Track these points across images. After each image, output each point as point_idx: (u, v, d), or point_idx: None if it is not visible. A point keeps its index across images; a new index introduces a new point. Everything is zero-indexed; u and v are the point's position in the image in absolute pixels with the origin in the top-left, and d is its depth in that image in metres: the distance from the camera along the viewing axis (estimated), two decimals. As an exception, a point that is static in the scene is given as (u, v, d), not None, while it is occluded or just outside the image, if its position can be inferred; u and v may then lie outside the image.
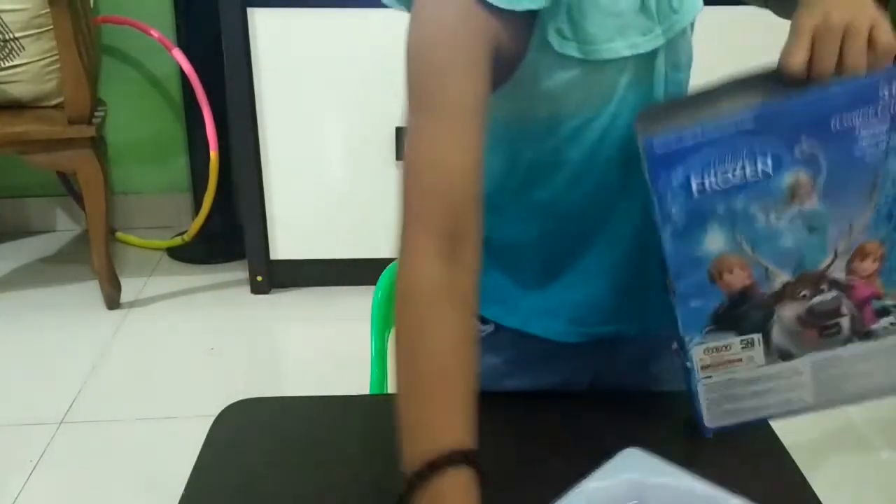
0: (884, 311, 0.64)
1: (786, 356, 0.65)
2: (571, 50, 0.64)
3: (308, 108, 2.02)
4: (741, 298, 0.63)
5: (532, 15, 0.62)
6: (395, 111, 2.01)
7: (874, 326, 0.64)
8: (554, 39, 0.63)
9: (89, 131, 1.94)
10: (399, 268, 0.60)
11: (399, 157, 2.10)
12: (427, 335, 0.58)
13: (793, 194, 0.59)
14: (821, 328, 0.64)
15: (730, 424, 0.69)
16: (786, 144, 0.57)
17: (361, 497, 0.67)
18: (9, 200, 2.55)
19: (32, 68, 2.04)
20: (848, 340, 0.65)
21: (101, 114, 2.07)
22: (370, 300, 1.01)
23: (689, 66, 0.75)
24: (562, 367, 0.82)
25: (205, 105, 2.17)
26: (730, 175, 0.58)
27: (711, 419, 0.69)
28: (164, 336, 2.01)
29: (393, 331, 0.61)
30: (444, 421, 0.56)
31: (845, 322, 0.64)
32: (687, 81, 0.75)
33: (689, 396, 0.69)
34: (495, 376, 0.82)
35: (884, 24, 0.57)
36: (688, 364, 0.66)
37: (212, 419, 0.76)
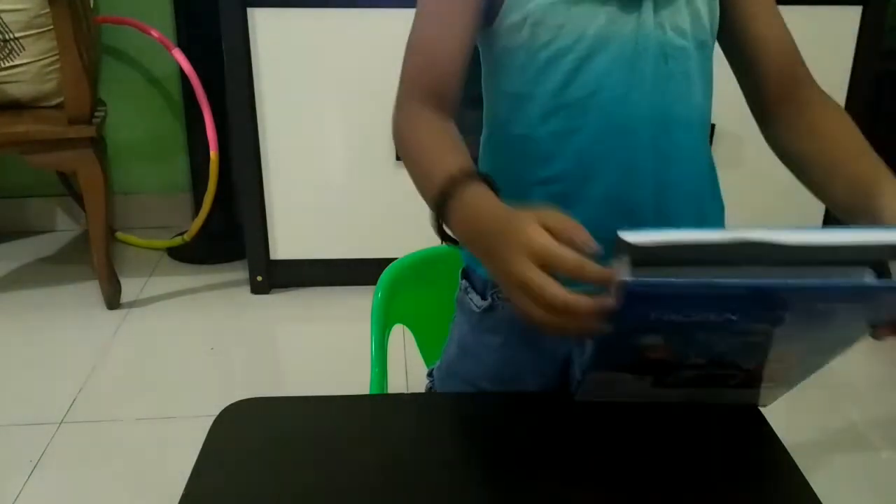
0: (771, 379, 0.68)
1: (670, 387, 0.69)
2: None
3: (308, 107, 2.02)
4: (652, 362, 0.63)
5: None
6: (395, 111, 1.94)
7: (758, 384, 0.69)
8: None
9: (89, 131, 1.94)
10: (395, 118, 0.77)
11: (399, 157, 2.10)
12: (422, 125, 0.74)
13: (744, 334, 0.58)
14: (710, 384, 0.68)
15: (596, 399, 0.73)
16: (764, 310, 0.55)
17: (361, 497, 0.67)
18: (9, 200, 2.55)
19: (32, 68, 2.04)
20: (730, 388, 0.69)
21: (101, 114, 2.07)
22: (370, 300, 1.01)
23: (700, 42, 0.76)
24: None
25: (205, 105, 2.17)
26: (693, 317, 0.55)
27: (583, 397, 0.72)
28: (164, 336, 2.01)
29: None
30: (452, 159, 0.69)
31: (734, 382, 0.67)
32: (696, 58, 0.76)
33: (572, 375, 0.73)
34: (504, 354, 0.86)
35: None
36: (579, 376, 0.68)
37: (212, 419, 0.76)
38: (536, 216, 0.56)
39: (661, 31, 0.74)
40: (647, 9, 0.73)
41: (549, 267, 0.54)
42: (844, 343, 0.61)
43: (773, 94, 0.80)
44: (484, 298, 0.86)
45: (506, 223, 0.58)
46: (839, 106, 0.79)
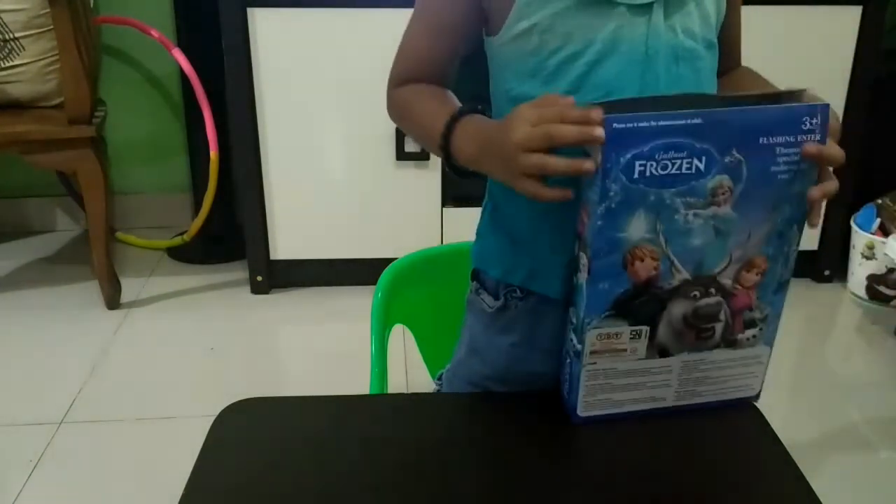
0: (751, 323, 0.74)
1: (663, 353, 0.73)
2: None
3: (308, 107, 2.03)
4: (643, 289, 0.69)
5: None
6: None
7: (740, 336, 0.74)
8: None
9: (89, 131, 1.94)
10: (388, 105, 0.88)
11: (399, 157, 2.10)
12: (413, 92, 0.83)
13: (713, 196, 0.66)
14: (699, 330, 0.73)
15: (598, 415, 0.76)
16: (719, 150, 0.64)
17: (361, 497, 0.67)
18: (9, 200, 2.55)
19: (32, 68, 2.04)
20: (716, 346, 0.74)
21: (101, 114, 2.07)
22: (370, 300, 1.01)
23: (709, 43, 0.78)
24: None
25: (205, 105, 2.17)
26: (668, 164, 0.64)
27: (585, 408, 0.75)
28: (164, 336, 2.01)
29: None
30: (450, 106, 0.79)
31: (719, 328, 0.73)
32: (705, 58, 0.77)
33: (567, 382, 0.76)
34: (514, 355, 0.86)
35: None
36: (579, 346, 0.72)
37: (212, 419, 0.76)
38: (525, 115, 0.67)
39: (672, 33, 0.74)
40: (658, 12, 0.73)
41: (545, 120, 0.65)
42: (794, 218, 0.69)
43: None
44: (496, 298, 0.86)
45: (504, 121, 0.68)
46: (749, 68, 0.89)
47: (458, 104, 0.80)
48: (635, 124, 0.62)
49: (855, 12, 2.02)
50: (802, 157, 0.66)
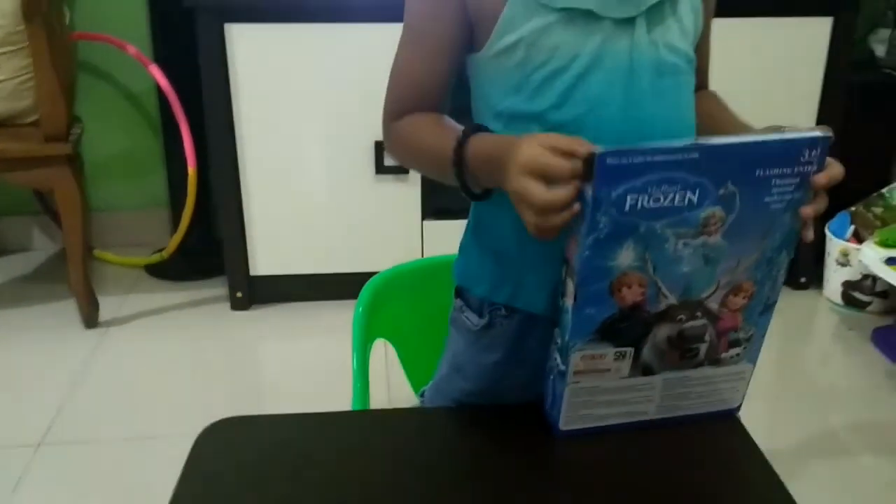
0: (735, 343, 0.74)
1: (647, 371, 0.73)
2: None
3: (286, 123, 2.02)
4: (629, 313, 0.69)
5: None
6: (373, 125, 1.99)
7: (724, 355, 0.74)
8: None
9: (66, 149, 1.92)
10: (385, 139, 0.85)
11: (378, 170, 2.11)
12: (413, 123, 0.81)
13: (704, 226, 0.65)
14: (683, 351, 0.73)
15: (579, 429, 0.75)
16: (714, 183, 0.63)
17: (345, 513, 0.67)
18: (-16, 219, 2.52)
19: (7, 86, 2.03)
20: (700, 364, 0.74)
21: (78, 131, 2.06)
22: (351, 315, 1.01)
23: (689, 58, 0.79)
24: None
25: (182, 121, 2.17)
26: (661, 198, 0.62)
27: (566, 422, 0.75)
28: (143, 354, 1.99)
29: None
30: (454, 128, 0.78)
31: (704, 348, 0.73)
32: (685, 72, 0.78)
33: (550, 398, 0.76)
34: (499, 372, 0.86)
35: None
36: (563, 367, 0.72)
37: (193, 438, 0.75)
38: (535, 136, 0.65)
39: (654, 48, 0.75)
40: (641, 27, 0.74)
41: (539, 173, 0.63)
42: (785, 244, 0.69)
43: None
44: (481, 317, 0.86)
45: (509, 145, 0.67)
46: (715, 92, 0.89)
47: (460, 127, 0.78)
48: (629, 160, 0.60)
49: (826, 23, 2.05)
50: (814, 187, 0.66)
